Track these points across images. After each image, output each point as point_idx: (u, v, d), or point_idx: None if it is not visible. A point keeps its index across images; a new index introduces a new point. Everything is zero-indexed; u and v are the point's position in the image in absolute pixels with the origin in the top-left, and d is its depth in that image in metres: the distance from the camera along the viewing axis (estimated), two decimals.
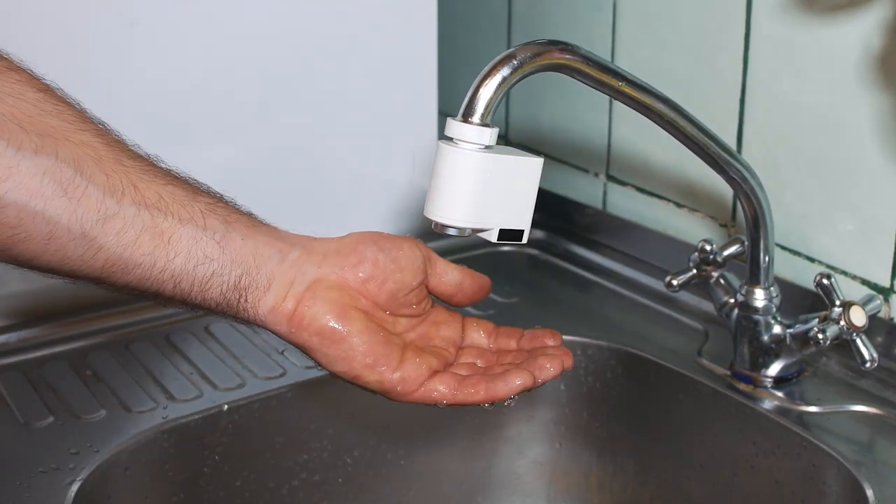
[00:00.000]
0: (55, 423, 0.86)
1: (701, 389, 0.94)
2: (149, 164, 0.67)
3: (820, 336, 0.85)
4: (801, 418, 0.88)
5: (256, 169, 1.11)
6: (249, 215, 0.70)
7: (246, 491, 0.92)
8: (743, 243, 0.92)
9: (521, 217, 0.69)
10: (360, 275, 0.69)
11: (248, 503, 0.92)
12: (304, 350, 0.69)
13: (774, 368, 0.92)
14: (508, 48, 0.68)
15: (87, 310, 1.03)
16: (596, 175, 1.21)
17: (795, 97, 0.97)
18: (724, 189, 1.03)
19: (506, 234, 0.69)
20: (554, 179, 1.25)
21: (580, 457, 1.04)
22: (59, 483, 0.78)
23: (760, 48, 0.99)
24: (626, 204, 1.18)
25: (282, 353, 0.98)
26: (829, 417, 0.88)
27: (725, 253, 0.94)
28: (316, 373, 0.95)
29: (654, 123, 0.77)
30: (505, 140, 1.33)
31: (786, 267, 1.00)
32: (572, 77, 0.71)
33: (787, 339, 0.90)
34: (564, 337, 0.75)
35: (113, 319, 1.03)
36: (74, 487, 0.78)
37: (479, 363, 0.72)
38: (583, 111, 1.21)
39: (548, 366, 0.70)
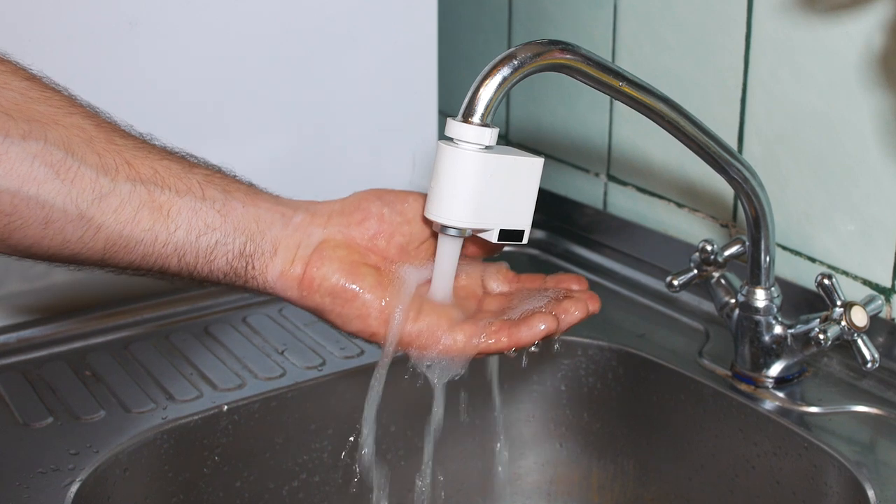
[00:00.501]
0: (54, 424, 0.86)
1: (702, 390, 0.93)
2: (141, 142, 0.66)
3: (821, 336, 0.85)
4: (803, 419, 0.88)
5: (256, 169, 1.11)
6: (249, 185, 0.70)
7: (245, 492, 0.92)
8: (744, 243, 0.92)
9: (521, 217, 0.69)
10: (368, 231, 0.68)
11: None
12: (318, 313, 0.68)
13: (775, 369, 0.91)
14: (509, 48, 0.67)
15: (86, 310, 1.03)
16: (596, 175, 1.21)
17: (796, 97, 0.97)
18: (725, 189, 1.03)
19: (506, 235, 0.69)
20: (554, 179, 1.25)
21: (581, 457, 1.04)
22: (59, 484, 0.78)
23: (761, 48, 0.99)
24: (626, 204, 1.18)
25: (282, 353, 0.98)
26: (830, 418, 0.88)
27: (726, 253, 0.93)
28: (316, 373, 0.95)
29: (654, 123, 0.77)
30: (505, 140, 1.33)
31: (787, 267, 1.00)
32: (573, 77, 0.70)
33: (789, 340, 0.90)
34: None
35: (112, 320, 1.03)
36: (74, 488, 0.78)
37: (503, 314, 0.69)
38: (583, 111, 1.21)
39: (573, 309, 0.68)
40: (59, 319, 1.01)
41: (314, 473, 0.95)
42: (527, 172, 0.69)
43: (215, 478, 0.90)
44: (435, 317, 0.67)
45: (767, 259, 0.89)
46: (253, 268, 0.67)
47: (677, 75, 1.07)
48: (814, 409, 0.89)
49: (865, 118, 0.91)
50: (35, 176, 0.60)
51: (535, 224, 0.70)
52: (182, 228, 0.65)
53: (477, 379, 1.03)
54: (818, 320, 0.87)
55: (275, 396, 0.92)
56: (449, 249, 0.68)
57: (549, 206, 1.22)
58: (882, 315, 0.92)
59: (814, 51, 0.94)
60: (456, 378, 0.69)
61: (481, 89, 0.65)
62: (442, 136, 0.67)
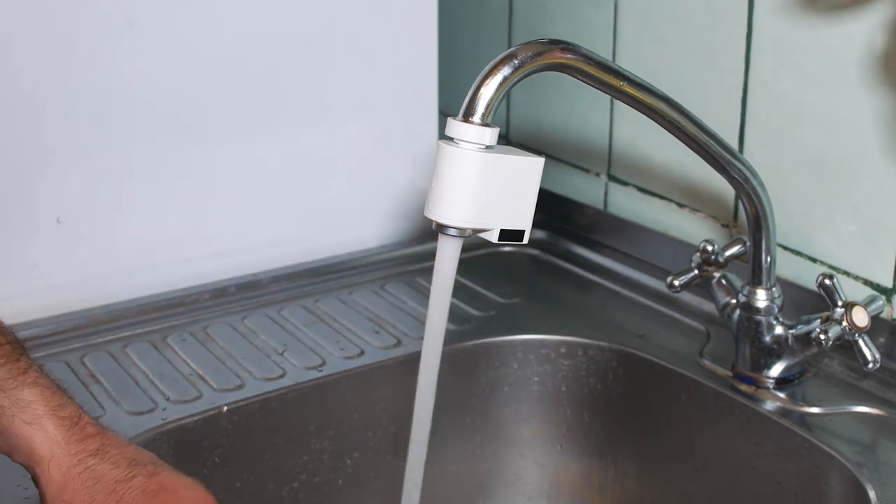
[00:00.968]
0: None
1: (702, 390, 0.93)
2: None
3: (822, 337, 0.85)
4: (803, 419, 0.88)
5: (256, 169, 1.11)
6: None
7: (246, 492, 0.92)
8: (745, 243, 0.92)
9: (521, 217, 0.69)
10: None
11: None
12: None
13: (776, 369, 0.91)
14: (509, 48, 0.67)
15: (86, 310, 1.03)
16: (597, 175, 1.21)
17: (797, 97, 0.97)
18: (726, 189, 1.03)
19: (507, 235, 0.69)
20: (555, 179, 1.25)
21: (581, 458, 1.04)
22: None
23: (762, 47, 0.99)
24: (627, 204, 1.18)
25: (282, 353, 0.98)
26: (831, 418, 0.87)
27: (727, 253, 0.93)
28: (316, 374, 0.95)
29: (655, 123, 0.77)
30: (506, 140, 1.33)
31: (788, 267, 1.00)
32: (573, 76, 0.70)
33: (789, 340, 0.90)
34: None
35: (112, 320, 1.03)
36: None
37: None
38: (584, 111, 1.21)
39: None
40: (59, 319, 1.01)
41: (314, 474, 0.95)
42: (527, 172, 0.69)
43: (215, 479, 0.89)
44: None
45: (768, 259, 0.89)
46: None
47: (678, 75, 1.07)
48: (815, 410, 0.88)
49: (866, 118, 0.91)
50: None
51: (536, 224, 0.70)
52: None
53: (477, 379, 1.03)
54: (819, 321, 0.87)
55: (275, 397, 0.92)
56: (449, 249, 0.68)
57: (550, 206, 1.22)
58: (883, 315, 0.92)
59: (814, 50, 0.94)
60: None
61: (482, 89, 0.65)
62: (442, 136, 0.67)
